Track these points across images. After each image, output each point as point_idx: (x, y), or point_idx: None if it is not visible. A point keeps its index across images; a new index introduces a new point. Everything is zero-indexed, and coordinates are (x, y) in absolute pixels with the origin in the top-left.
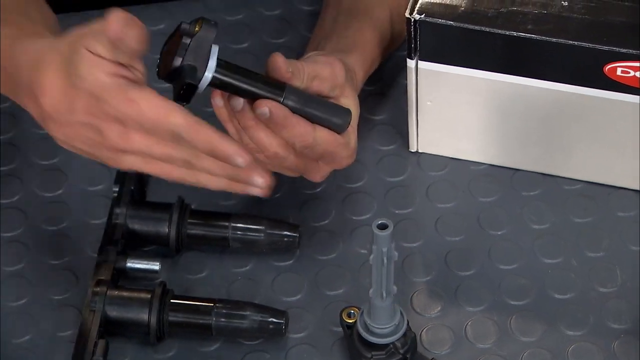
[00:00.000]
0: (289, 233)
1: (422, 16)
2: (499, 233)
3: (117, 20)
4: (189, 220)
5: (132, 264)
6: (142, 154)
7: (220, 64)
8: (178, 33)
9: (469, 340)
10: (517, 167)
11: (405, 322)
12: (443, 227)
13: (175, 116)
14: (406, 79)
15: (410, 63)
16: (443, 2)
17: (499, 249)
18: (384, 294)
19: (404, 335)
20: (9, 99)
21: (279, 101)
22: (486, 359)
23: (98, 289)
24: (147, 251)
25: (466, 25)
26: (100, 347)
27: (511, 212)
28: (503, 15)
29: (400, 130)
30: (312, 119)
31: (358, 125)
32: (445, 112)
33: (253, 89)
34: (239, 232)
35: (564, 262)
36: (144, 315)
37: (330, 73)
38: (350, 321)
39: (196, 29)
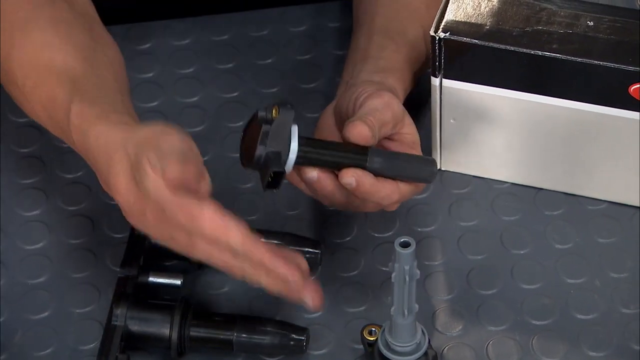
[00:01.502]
0: (310, 249)
1: (447, 34)
2: (522, 252)
3: (173, 172)
4: None
5: (155, 278)
6: (210, 258)
7: (302, 142)
8: (255, 121)
9: None
10: (540, 186)
11: (427, 340)
12: (465, 246)
13: (232, 235)
14: (430, 97)
15: (435, 81)
16: (468, 20)
17: (522, 268)
18: (406, 312)
19: (425, 353)
20: None
21: (364, 166)
22: None
23: (120, 303)
24: (169, 266)
25: (491, 44)
26: None
27: (534, 231)
28: (528, 34)
29: (423, 147)
30: (399, 177)
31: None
32: (469, 130)
33: (338, 160)
34: None
35: (587, 283)
36: (165, 330)
37: (392, 115)
38: (372, 339)
39: (273, 114)
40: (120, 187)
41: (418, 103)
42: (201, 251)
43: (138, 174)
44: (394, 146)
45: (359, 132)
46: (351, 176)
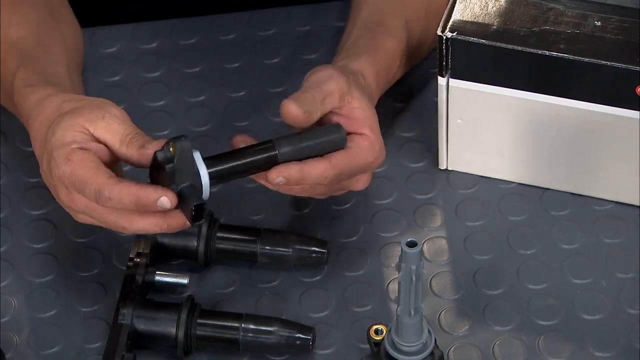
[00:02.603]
0: (317, 249)
1: (454, 34)
2: (528, 252)
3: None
4: (217, 235)
5: (161, 277)
6: (87, 213)
7: (208, 164)
8: (157, 163)
9: None
10: (546, 187)
11: (433, 340)
12: (472, 246)
13: (99, 176)
14: (437, 97)
15: (441, 81)
16: (475, 20)
17: (528, 269)
18: (412, 312)
19: (431, 353)
20: None
21: (276, 160)
22: None
23: (126, 302)
24: (175, 265)
25: (498, 44)
26: None
27: (540, 231)
28: (535, 34)
29: (429, 147)
30: (313, 153)
31: (382, 136)
32: (476, 130)
33: (249, 165)
34: (267, 247)
35: (593, 283)
36: (171, 329)
37: (335, 86)
38: (378, 338)
39: (171, 150)
40: (36, 140)
41: (424, 103)
42: (80, 205)
43: (57, 122)
44: (344, 122)
45: (287, 110)
46: (277, 175)
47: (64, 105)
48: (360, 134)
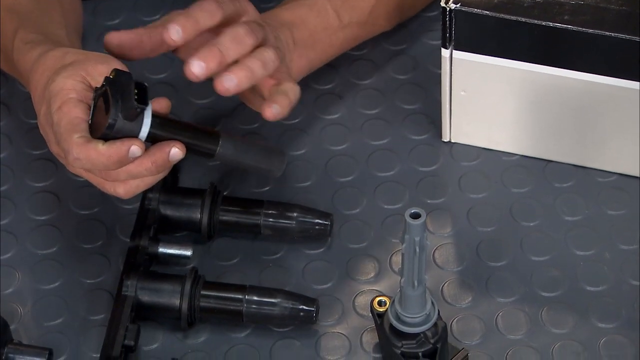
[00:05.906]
0: (320, 221)
1: (458, 5)
2: (531, 224)
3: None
4: (221, 207)
5: (165, 249)
6: (76, 165)
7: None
8: (97, 101)
9: (499, 331)
10: (550, 159)
11: (436, 311)
12: (475, 218)
13: (71, 135)
14: (440, 69)
15: (445, 52)
16: None
17: (531, 240)
18: (416, 283)
19: (435, 325)
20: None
21: (214, 153)
22: (517, 350)
23: (130, 273)
24: (179, 237)
25: (502, 15)
26: (131, 331)
27: (544, 203)
28: (539, 5)
29: (433, 119)
30: (246, 166)
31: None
32: (479, 102)
33: (190, 139)
34: (270, 219)
35: (597, 255)
36: (175, 301)
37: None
38: (381, 310)
39: (111, 76)
40: (36, 89)
41: (427, 75)
42: (67, 160)
43: (57, 72)
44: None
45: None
46: (191, 63)
47: (67, 57)
48: None
